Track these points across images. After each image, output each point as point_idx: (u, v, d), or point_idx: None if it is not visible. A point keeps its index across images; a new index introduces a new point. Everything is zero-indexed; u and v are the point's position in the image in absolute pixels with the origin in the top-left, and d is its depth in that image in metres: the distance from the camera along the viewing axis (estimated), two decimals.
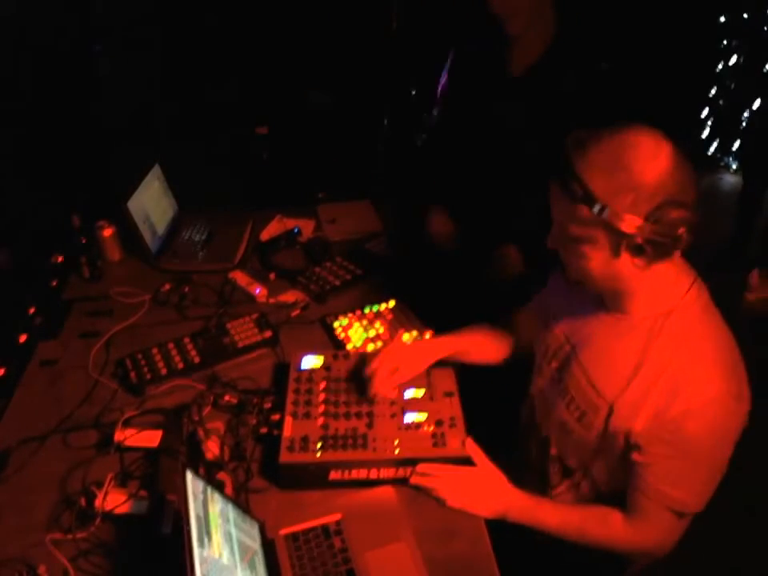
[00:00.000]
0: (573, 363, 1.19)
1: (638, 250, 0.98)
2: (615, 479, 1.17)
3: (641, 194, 0.94)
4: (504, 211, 1.72)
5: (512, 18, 1.54)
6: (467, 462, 1.21)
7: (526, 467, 1.34)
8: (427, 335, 1.56)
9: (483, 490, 1.20)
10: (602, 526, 1.16)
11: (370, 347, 1.55)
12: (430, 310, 1.65)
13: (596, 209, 0.95)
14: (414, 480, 1.21)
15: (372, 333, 1.59)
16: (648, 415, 1.05)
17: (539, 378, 1.31)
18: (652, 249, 0.97)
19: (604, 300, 1.14)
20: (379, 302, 1.69)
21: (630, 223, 0.95)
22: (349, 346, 1.56)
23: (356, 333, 1.60)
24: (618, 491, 1.16)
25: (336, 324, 1.63)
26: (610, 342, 1.13)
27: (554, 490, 1.28)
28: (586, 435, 1.15)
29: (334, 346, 1.59)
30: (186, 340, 1.57)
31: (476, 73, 1.72)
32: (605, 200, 0.95)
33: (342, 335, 1.59)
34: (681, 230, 0.96)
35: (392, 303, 1.69)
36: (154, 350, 1.54)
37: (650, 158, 0.94)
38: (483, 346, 1.43)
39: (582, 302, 1.20)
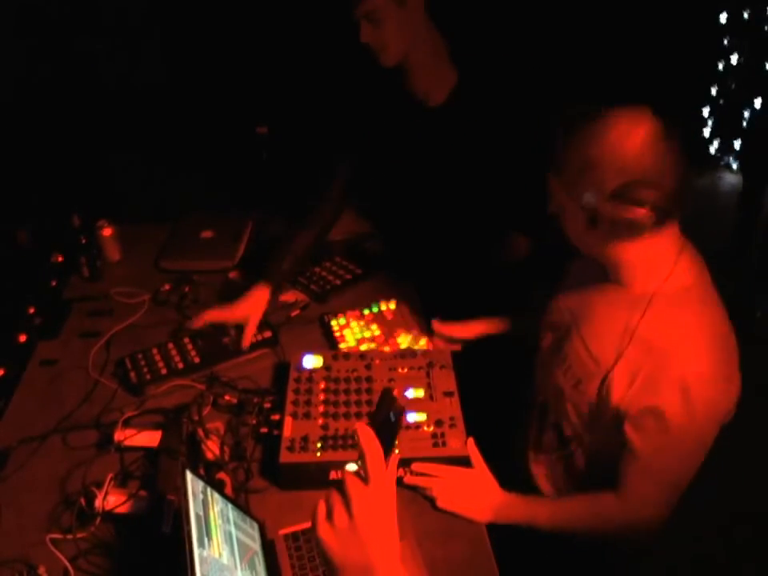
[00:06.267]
0: (573, 333, 1.21)
1: (607, 226, 1.01)
2: (608, 452, 1.17)
3: (607, 171, 0.97)
4: (497, 206, 1.71)
5: (382, 52, 1.50)
6: (466, 461, 1.21)
7: (525, 435, 1.37)
8: (422, 341, 1.55)
9: (474, 493, 1.20)
10: (594, 507, 1.18)
11: (364, 347, 1.54)
12: (435, 304, 1.64)
13: (562, 182, 1.02)
14: (408, 480, 1.21)
15: (368, 334, 1.59)
16: (638, 389, 1.06)
17: (541, 348, 1.33)
18: (611, 226, 1.00)
19: (606, 271, 1.16)
20: (380, 303, 1.68)
21: (589, 199, 0.99)
22: (342, 346, 1.56)
23: (352, 332, 1.59)
24: (610, 465, 1.17)
25: (334, 322, 1.63)
26: (607, 313, 1.15)
27: (550, 456, 1.30)
28: (580, 402, 1.17)
29: (328, 344, 1.59)
30: (186, 340, 1.56)
31: (386, 107, 1.68)
32: (570, 174, 1.00)
33: (338, 334, 1.59)
34: (643, 211, 0.97)
35: (393, 304, 1.68)
36: (154, 350, 1.54)
37: (623, 137, 0.96)
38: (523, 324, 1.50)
39: (588, 276, 1.22)
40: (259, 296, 1.57)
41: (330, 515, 0.68)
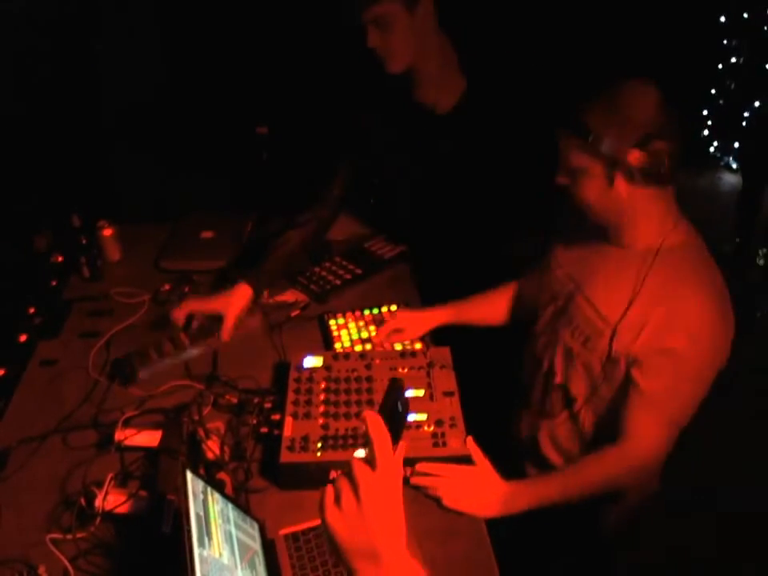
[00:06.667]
0: (577, 296, 1.29)
1: (628, 175, 1.12)
2: (615, 409, 1.22)
3: (628, 125, 1.10)
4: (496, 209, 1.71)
5: (388, 59, 1.49)
6: (467, 461, 1.21)
7: (527, 405, 1.42)
8: (417, 345, 1.54)
9: (479, 489, 1.20)
10: (599, 466, 1.22)
11: (358, 348, 1.54)
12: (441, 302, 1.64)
13: (590, 139, 1.12)
14: (414, 480, 1.20)
15: (365, 335, 1.59)
16: (648, 335, 1.15)
17: (542, 318, 1.39)
18: (640, 174, 1.12)
19: (607, 233, 1.25)
20: (381, 304, 1.68)
21: (618, 150, 1.11)
22: (337, 346, 1.56)
23: (348, 333, 1.59)
24: (616, 424, 1.21)
25: (332, 322, 1.63)
26: (611, 272, 1.24)
27: (555, 419, 1.34)
28: (590, 358, 1.24)
29: (323, 343, 1.59)
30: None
31: (395, 112, 1.67)
32: (596, 131, 1.12)
33: (335, 333, 1.59)
34: (665, 159, 1.11)
35: (394, 307, 1.68)
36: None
37: (638, 98, 1.12)
38: (484, 311, 1.58)
39: (586, 241, 1.31)
40: (241, 292, 1.59)
41: (337, 500, 0.68)
